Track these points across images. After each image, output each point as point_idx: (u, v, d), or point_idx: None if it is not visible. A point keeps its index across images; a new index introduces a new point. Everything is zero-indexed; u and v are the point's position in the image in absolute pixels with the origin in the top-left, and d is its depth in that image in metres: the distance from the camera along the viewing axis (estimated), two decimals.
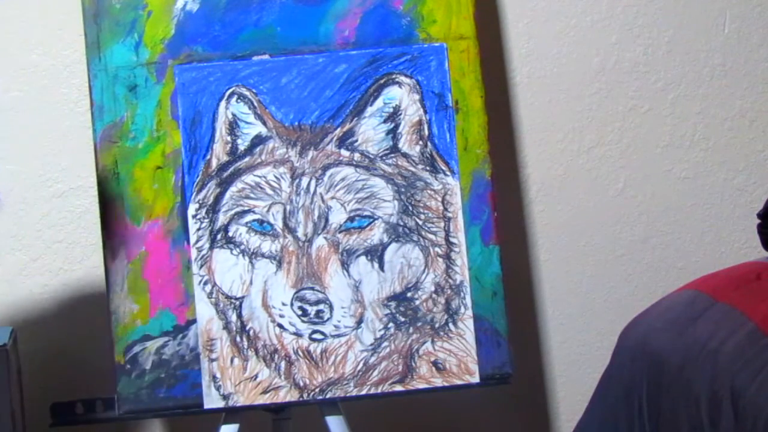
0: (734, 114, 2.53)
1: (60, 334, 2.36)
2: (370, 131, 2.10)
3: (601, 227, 2.51)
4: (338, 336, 2.07)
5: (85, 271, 2.37)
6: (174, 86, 2.08)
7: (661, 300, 2.19)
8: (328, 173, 2.08)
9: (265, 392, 2.07)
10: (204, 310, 2.07)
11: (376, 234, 2.09)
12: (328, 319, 2.07)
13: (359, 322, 2.08)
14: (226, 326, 2.07)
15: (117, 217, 2.07)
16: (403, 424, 2.48)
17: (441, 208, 2.10)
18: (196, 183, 2.08)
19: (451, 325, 2.09)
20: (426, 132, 2.11)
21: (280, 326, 2.07)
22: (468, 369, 2.09)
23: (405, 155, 2.10)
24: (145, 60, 2.08)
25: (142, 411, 2.07)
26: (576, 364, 2.52)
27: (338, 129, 2.09)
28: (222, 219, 2.08)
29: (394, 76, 2.11)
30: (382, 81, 2.10)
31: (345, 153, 2.09)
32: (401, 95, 2.11)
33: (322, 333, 2.07)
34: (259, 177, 2.08)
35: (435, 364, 2.09)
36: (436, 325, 2.09)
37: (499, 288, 2.11)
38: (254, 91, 2.09)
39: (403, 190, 2.10)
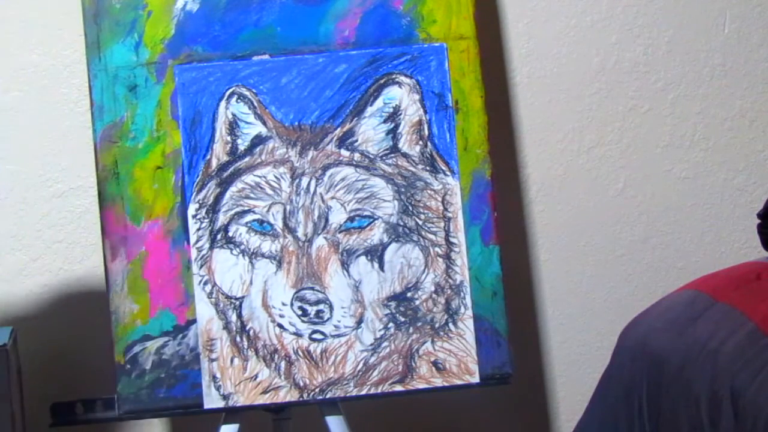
0: (734, 114, 2.53)
1: (60, 334, 2.36)
2: (370, 131, 2.10)
3: (601, 227, 2.51)
4: (338, 336, 2.07)
5: (85, 271, 2.37)
6: (174, 86, 2.08)
7: (661, 300, 2.19)
8: (328, 173, 2.08)
9: (265, 392, 2.07)
10: (204, 310, 2.07)
11: (376, 234, 2.09)
12: (328, 319, 2.07)
13: (359, 322, 2.08)
14: (226, 326, 2.07)
15: (117, 217, 2.07)
16: (403, 424, 2.48)
17: (441, 208, 2.10)
18: (196, 183, 2.08)
19: (451, 325, 2.09)
20: (426, 132, 2.11)
21: (280, 326, 2.07)
22: (468, 369, 2.09)
23: (405, 155, 2.10)
24: (145, 60, 2.08)
25: (142, 411, 2.06)
26: (576, 364, 2.52)
27: (338, 129, 2.09)
28: (222, 219, 2.08)
29: (394, 76, 2.11)
30: (382, 81, 2.10)
31: (345, 153, 2.09)
32: (401, 95, 2.11)
33: (322, 333, 2.07)
34: (259, 177, 2.08)
35: (435, 364, 2.09)
36: (436, 325, 2.09)
37: (499, 288, 2.10)
38: (254, 91, 2.09)
39: (403, 190, 2.10)
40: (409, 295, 2.09)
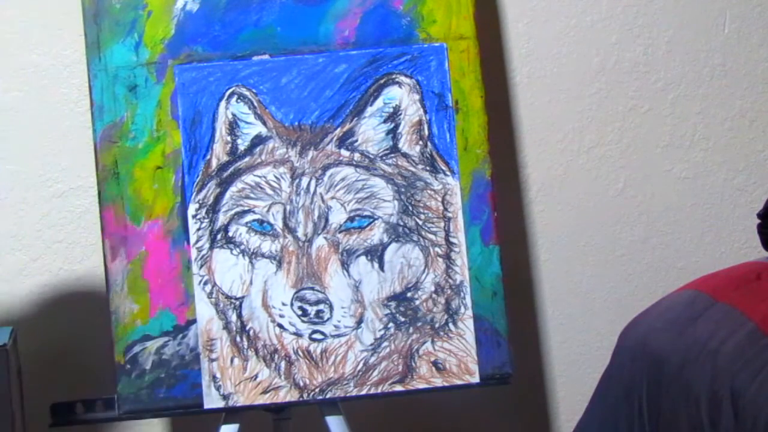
0: (734, 114, 2.53)
1: (60, 334, 2.36)
2: (370, 131, 2.10)
3: (601, 227, 2.51)
4: (338, 336, 2.07)
5: (85, 271, 2.37)
6: (174, 86, 2.08)
7: (661, 300, 2.20)
8: (328, 173, 2.08)
9: (265, 392, 2.07)
10: (204, 310, 2.07)
11: (376, 234, 2.09)
12: (328, 319, 2.07)
13: (359, 322, 2.08)
14: (226, 326, 2.07)
15: (117, 217, 2.07)
16: (403, 424, 2.48)
17: (441, 208, 2.10)
18: (196, 183, 2.08)
19: (451, 325, 2.09)
20: (426, 132, 2.11)
21: (280, 326, 2.07)
22: (468, 369, 2.09)
23: (405, 155, 2.10)
24: (145, 60, 2.08)
25: (142, 411, 2.07)
26: (576, 364, 2.52)
27: (338, 129, 2.09)
28: (222, 219, 2.08)
29: (394, 76, 2.11)
30: (382, 81, 2.10)
31: (345, 153, 2.09)
32: (401, 95, 2.11)
33: (322, 333, 2.07)
34: (259, 177, 2.08)
35: (435, 364, 2.09)
36: (436, 325, 2.09)
37: (499, 288, 2.11)
38: (254, 91, 2.09)
39: (403, 190, 2.10)
40: (409, 295, 2.09)
